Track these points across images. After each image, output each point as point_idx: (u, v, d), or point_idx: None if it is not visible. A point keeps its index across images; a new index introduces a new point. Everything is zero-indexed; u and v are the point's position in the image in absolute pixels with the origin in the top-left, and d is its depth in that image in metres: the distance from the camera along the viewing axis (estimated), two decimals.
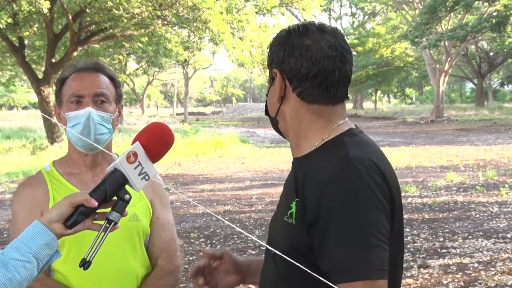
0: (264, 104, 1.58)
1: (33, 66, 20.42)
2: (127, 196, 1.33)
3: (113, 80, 1.93)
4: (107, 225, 1.30)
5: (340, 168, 1.34)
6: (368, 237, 1.28)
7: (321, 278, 1.26)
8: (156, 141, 1.38)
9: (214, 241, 6.74)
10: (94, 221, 1.34)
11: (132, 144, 1.36)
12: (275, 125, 1.53)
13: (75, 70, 1.90)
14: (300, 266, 1.29)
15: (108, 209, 1.33)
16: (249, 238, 6.61)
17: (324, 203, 1.32)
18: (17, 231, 1.81)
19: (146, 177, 1.35)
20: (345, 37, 1.53)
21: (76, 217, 1.28)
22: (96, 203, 1.29)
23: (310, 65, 1.42)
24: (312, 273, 1.28)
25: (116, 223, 1.31)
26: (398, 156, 14.20)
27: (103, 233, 1.30)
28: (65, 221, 1.29)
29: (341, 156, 1.37)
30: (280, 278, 1.45)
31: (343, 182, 1.32)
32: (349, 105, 58.89)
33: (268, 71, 1.60)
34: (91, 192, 1.31)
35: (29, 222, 1.75)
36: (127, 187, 1.35)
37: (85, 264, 1.26)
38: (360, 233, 1.29)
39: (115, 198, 1.33)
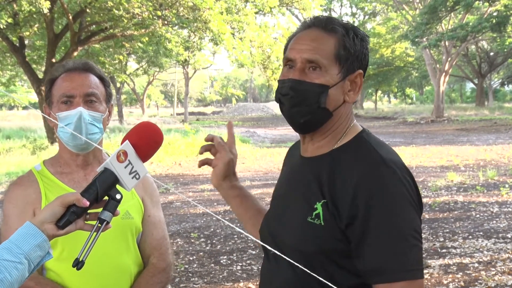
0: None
1: (34, 66, 20.42)
2: (118, 196, 1.33)
3: (102, 79, 1.93)
4: (99, 224, 1.30)
5: (377, 169, 1.35)
6: (407, 237, 1.31)
7: (330, 284, 1.25)
8: (146, 139, 1.38)
9: (214, 241, 6.74)
10: (86, 222, 1.34)
11: (122, 143, 1.36)
12: (321, 119, 1.43)
13: (65, 70, 1.90)
14: (300, 266, 1.28)
15: (100, 209, 1.33)
16: (249, 238, 6.61)
17: (361, 204, 1.32)
18: (9, 230, 1.80)
19: (137, 176, 1.35)
20: None
21: (68, 217, 1.28)
22: (88, 203, 1.29)
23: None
24: (315, 275, 1.27)
25: (108, 223, 1.31)
26: None
27: (95, 233, 1.30)
28: (57, 221, 1.28)
29: (375, 157, 1.38)
30: (299, 284, 1.42)
31: (381, 183, 1.33)
32: None
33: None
34: (83, 192, 1.31)
35: (21, 221, 1.76)
36: (118, 187, 1.35)
37: (78, 264, 1.26)
38: (400, 234, 1.31)
39: (106, 198, 1.33)
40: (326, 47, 1.40)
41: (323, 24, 1.43)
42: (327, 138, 1.47)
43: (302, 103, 1.40)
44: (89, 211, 1.33)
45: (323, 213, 1.37)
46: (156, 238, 1.99)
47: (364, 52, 1.44)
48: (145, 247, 1.99)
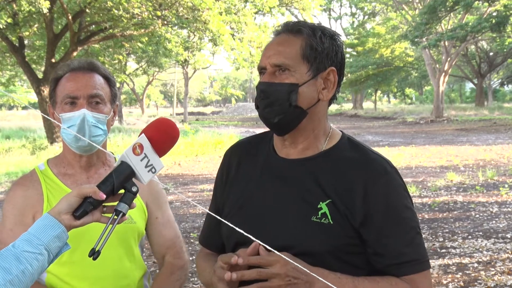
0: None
1: (33, 66, 20.42)
2: (134, 188, 1.34)
3: (108, 79, 1.89)
4: (115, 216, 1.32)
5: (385, 169, 1.44)
6: (418, 230, 1.44)
7: (332, 286, 1.25)
8: (161, 134, 1.38)
9: None
10: (103, 214, 1.35)
11: (139, 137, 1.37)
12: (295, 118, 1.44)
13: (69, 69, 1.86)
14: (294, 263, 1.28)
15: (116, 203, 1.34)
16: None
17: (376, 203, 1.39)
18: (4, 230, 1.80)
19: (153, 170, 1.36)
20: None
21: (84, 207, 1.30)
22: (104, 196, 1.30)
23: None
24: (317, 277, 1.27)
25: (124, 214, 1.32)
26: (398, 156, 14.20)
27: (111, 225, 1.31)
28: (73, 211, 1.30)
29: (377, 158, 1.47)
30: None
31: (393, 182, 1.43)
32: (349, 105, 58.90)
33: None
34: (99, 184, 1.32)
35: (18, 222, 1.77)
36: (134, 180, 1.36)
37: (94, 253, 1.27)
38: (414, 227, 1.43)
39: (122, 191, 1.34)
40: (291, 48, 1.44)
41: (290, 28, 1.47)
42: (309, 139, 1.48)
43: (274, 103, 1.43)
44: (105, 203, 1.34)
45: (330, 212, 1.40)
46: (168, 238, 1.99)
47: (335, 50, 1.46)
48: (159, 249, 1.98)
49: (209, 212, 1.36)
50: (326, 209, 1.40)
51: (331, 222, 1.39)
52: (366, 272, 1.43)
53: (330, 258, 1.38)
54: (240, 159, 1.62)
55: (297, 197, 1.44)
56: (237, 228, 1.25)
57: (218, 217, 1.38)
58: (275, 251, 1.29)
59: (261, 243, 1.29)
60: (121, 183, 1.32)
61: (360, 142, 1.52)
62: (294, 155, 1.50)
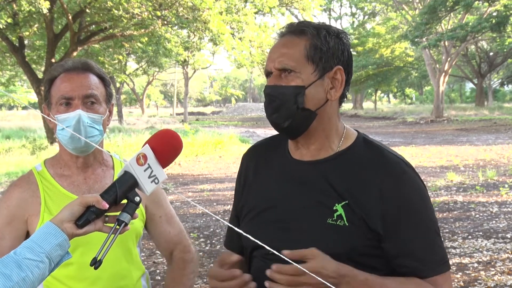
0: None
1: (33, 66, 20.41)
2: (137, 198, 1.35)
3: (102, 79, 1.88)
4: (117, 226, 1.32)
5: (402, 170, 1.42)
6: (438, 231, 1.44)
7: (327, 283, 1.24)
8: (165, 145, 1.38)
9: (214, 241, 6.74)
10: (105, 224, 1.36)
11: (142, 147, 1.37)
12: (305, 120, 1.42)
13: (64, 70, 1.84)
14: (295, 264, 1.27)
15: (118, 213, 1.34)
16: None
17: (393, 206, 1.38)
18: None
19: (156, 181, 1.37)
20: None
21: (87, 216, 1.30)
22: (107, 205, 1.31)
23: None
24: (304, 270, 1.26)
25: (126, 224, 1.33)
26: None
27: (113, 235, 1.32)
28: (76, 220, 1.30)
29: (393, 158, 1.45)
30: None
31: (412, 182, 1.42)
32: (349, 105, 58.87)
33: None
34: (102, 194, 1.32)
35: (7, 223, 1.77)
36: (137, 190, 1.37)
37: (96, 263, 1.28)
38: (436, 230, 1.43)
39: (125, 201, 1.34)
40: (295, 50, 1.42)
41: (293, 29, 1.46)
42: (321, 140, 1.47)
43: (281, 107, 1.41)
44: (107, 213, 1.35)
45: (345, 214, 1.39)
46: (174, 234, 2.00)
47: (341, 48, 1.44)
48: (167, 245, 2.00)
49: (208, 212, 1.35)
50: (342, 211, 1.38)
51: (346, 224, 1.38)
52: (384, 274, 1.41)
53: (347, 260, 1.36)
54: (257, 163, 1.61)
55: (313, 199, 1.44)
56: (237, 229, 1.24)
57: (218, 217, 1.39)
58: (290, 261, 1.26)
59: (261, 243, 1.27)
60: (124, 193, 1.33)
61: (375, 141, 1.50)
62: (308, 156, 1.49)
